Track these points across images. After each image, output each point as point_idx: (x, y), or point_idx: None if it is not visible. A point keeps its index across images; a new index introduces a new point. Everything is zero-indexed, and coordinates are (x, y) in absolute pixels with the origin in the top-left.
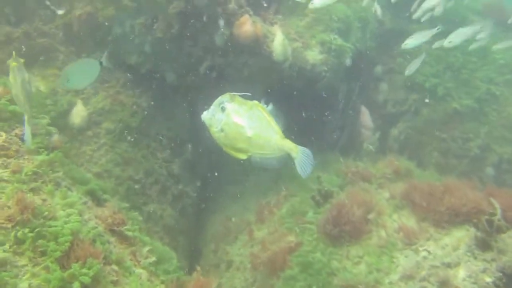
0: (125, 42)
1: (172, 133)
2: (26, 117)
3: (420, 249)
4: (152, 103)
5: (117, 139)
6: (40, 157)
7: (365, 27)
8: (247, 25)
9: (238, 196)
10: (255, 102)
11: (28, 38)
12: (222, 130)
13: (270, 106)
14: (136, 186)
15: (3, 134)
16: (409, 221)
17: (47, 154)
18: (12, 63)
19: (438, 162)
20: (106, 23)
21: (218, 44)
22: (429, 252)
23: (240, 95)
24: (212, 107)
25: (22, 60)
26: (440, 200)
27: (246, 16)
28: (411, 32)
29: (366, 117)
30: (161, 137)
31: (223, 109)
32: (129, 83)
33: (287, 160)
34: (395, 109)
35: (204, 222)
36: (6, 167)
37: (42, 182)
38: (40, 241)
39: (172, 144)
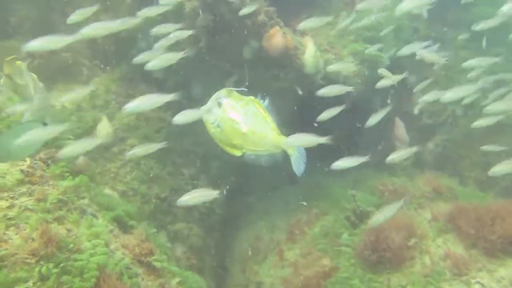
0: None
1: (198, 149)
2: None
3: (472, 281)
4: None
5: (143, 156)
6: (65, 183)
7: (398, 35)
8: (277, 37)
9: (266, 213)
10: (251, 97)
11: (52, 52)
12: (218, 126)
13: (267, 102)
14: (162, 204)
15: (28, 159)
16: (456, 247)
17: (73, 179)
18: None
19: (478, 177)
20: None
21: (246, 58)
22: (483, 285)
23: (237, 91)
24: (209, 102)
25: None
26: (490, 227)
27: (276, 27)
28: (447, 39)
29: (400, 129)
30: (186, 153)
31: (219, 104)
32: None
33: (285, 158)
34: (431, 120)
35: (231, 240)
36: (30, 194)
37: (67, 210)
38: (65, 277)
39: (198, 160)
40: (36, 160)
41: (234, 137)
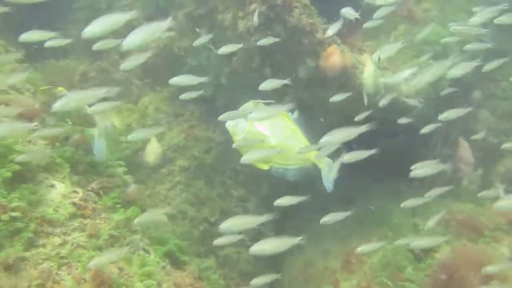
0: (200, 74)
1: (247, 169)
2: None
3: None
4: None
5: (192, 177)
6: (117, 216)
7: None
8: (335, 56)
9: (318, 236)
10: None
11: (104, 72)
12: (245, 139)
13: (296, 114)
14: (212, 228)
15: (80, 190)
16: None
17: (124, 211)
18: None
19: None
20: (181, 55)
21: (301, 77)
22: None
23: (264, 103)
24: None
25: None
26: None
27: (334, 46)
28: None
29: (465, 150)
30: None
31: (246, 117)
32: (204, 116)
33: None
34: (498, 139)
35: (281, 265)
36: (82, 229)
37: (119, 247)
38: None
39: (248, 181)
40: (89, 190)
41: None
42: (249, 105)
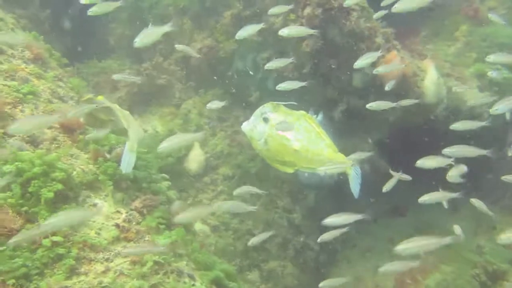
0: (245, 78)
1: (291, 177)
2: (128, 144)
3: None
4: None
5: (235, 186)
6: (161, 240)
7: None
8: (395, 63)
9: (367, 250)
10: (302, 112)
11: (149, 76)
12: (265, 143)
13: (320, 117)
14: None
15: (123, 211)
16: None
17: (169, 233)
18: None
19: None
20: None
21: (356, 85)
22: None
23: (284, 105)
24: (252, 117)
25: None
26: None
27: (394, 52)
28: None
29: None
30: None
31: (265, 120)
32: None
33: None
34: None
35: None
36: (126, 255)
37: (164, 274)
38: None
39: (293, 190)
40: (132, 210)
41: (284, 154)
42: (268, 106)
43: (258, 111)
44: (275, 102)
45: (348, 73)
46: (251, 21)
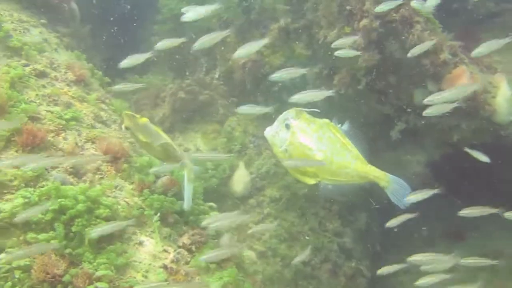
0: (292, 94)
1: (343, 198)
2: (186, 175)
3: None
4: None
5: (283, 209)
6: (212, 283)
7: None
8: (463, 79)
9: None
10: (326, 120)
11: (192, 93)
12: (286, 151)
13: (346, 126)
14: (305, 268)
15: (170, 249)
16: None
17: (220, 274)
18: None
19: None
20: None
21: (417, 103)
22: None
23: (307, 111)
24: (275, 123)
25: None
26: None
27: (462, 67)
28: None
29: None
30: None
31: (287, 127)
32: None
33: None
34: None
35: None
36: None
37: None
38: None
39: (343, 211)
40: (180, 247)
41: None
42: (291, 112)
43: (281, 117)
44: (299, 109)
45: (409, 89)
46: (300, 34)
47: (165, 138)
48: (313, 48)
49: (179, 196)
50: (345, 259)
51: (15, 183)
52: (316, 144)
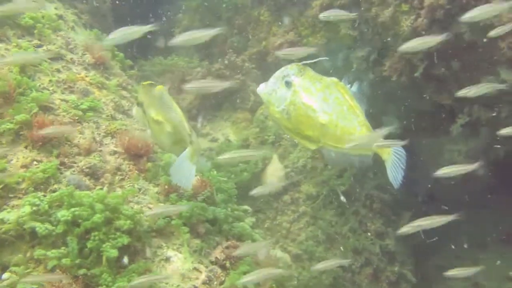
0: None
1: (385, 195)
2: (189, 151)
3: None
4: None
5: (320, 207)
6: None
7: None
8: None
9: (473, 285)
10: (334, 79)
11: (220, 77)
12: (285, 111)
13: (355, 87)
14: (345, 275)
15: (202, 267)
16: None
17: None
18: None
19: None
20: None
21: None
22: None
23: (310, 63)
24: (272, 79)
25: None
26: None
27: None
28: None
29: None
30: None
31: (288, 85)
32: None
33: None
34: None
35: None
36: None
37: None
38: None
39: (385, 209)
40: (212, 263)
41: (307, 127)
42: (292, 69)
43: (279, 73)
44: (301, 64)
45: (474, 77)
46: (347, 10)
47: (179, 112)
48: (360, 28)
49: (210, 200)
50: (387, 263)
51: (23, 186)
52: (321, 105)
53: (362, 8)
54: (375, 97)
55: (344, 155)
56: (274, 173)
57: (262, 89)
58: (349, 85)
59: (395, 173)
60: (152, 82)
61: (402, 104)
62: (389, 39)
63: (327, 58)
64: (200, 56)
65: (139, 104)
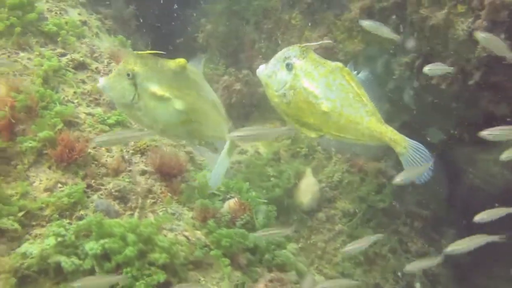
0: (371, 86)
1: (425, 210)
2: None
3: None
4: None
5: (357, 225)
6: None
7: None
8: None
9: None
10: (339, 64)
11: (250, 85)
12: (284, 96)
13: (362, 74)
14: None
15: None
16: None
17: None
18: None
19: None
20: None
21: None
22: None
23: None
24: (272, 61)
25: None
26: None
27: None
28: None
29: None
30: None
31: (289, 67)
32: None
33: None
34: None
35: None
36: None
37: None
38: None
39: (427, 228)
40: None
41: (308, 114)
42: (294, 50)
43: (280, 54)
44: (304, 45)
45: None
46: (388, 16)
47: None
48: (403, 32)
49: (250, 225)
50: (430, 286)
51: (47, 212)
52: (324, 91)
53: (408, 10)
54: (419, 106)
55: (347, 144)
56: (308, 189)
57: (262, 70)
58: (355, 71)
59: (415, 170)
60: (158, 52)
61: (448, 114)
62: (438, 43)
63: (330, 41)
64: (226, 62)
65: (130, 76)
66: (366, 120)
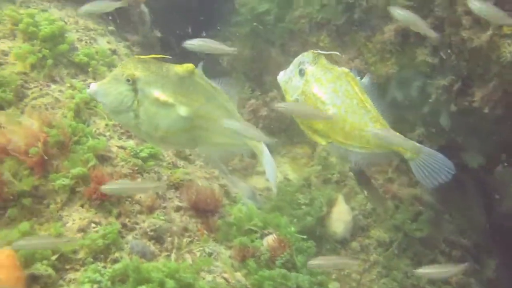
0: (404, 110)
1: (465, 240)
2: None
3: None
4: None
5: (394, 256)
6: None
7: None
8: None
9: None
10: (345, 70)
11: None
12: (297, 101)
13: (366, 79)
14: None
15: None
16: None
17: None
18: None
19: None
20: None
21: None
22: None
23: (326, 54)
24: (290, 66)
25: None
26: None
27: None
28: None
29: None
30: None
31: (301, 73)
32: (405, 166)
33: None
34: None
35: None
36: None
37: None
38: None
39: (467, 257)
40: None
41: (317, 120)
42: (307, 56)
43: (296, 60)
44: (317, 51)
45: None
46: (425, 38)
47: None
48: (441, 54)
49: (290, 263)
50: None
51: (81, 255)
52: (331, 97)
53: (446, 32)
54: (456, 129)
55: (354, 153)
56: (340, 217)
57: (281, 76)
58: (359, 76)
59: (422, 175)
60: (162, 56)
61: (488, 137)
62: (479, 65)
63: (339, 54)
64: (252, 85)
65: (130, 81)
66: (372, 126)
